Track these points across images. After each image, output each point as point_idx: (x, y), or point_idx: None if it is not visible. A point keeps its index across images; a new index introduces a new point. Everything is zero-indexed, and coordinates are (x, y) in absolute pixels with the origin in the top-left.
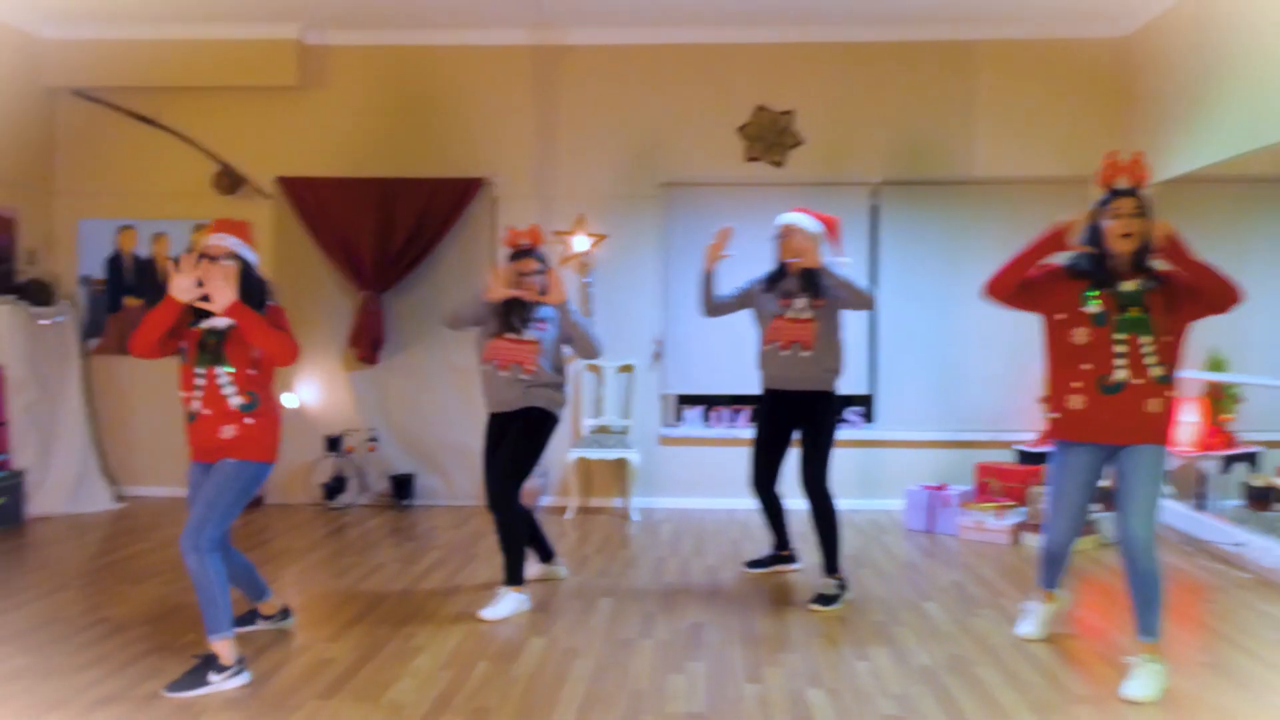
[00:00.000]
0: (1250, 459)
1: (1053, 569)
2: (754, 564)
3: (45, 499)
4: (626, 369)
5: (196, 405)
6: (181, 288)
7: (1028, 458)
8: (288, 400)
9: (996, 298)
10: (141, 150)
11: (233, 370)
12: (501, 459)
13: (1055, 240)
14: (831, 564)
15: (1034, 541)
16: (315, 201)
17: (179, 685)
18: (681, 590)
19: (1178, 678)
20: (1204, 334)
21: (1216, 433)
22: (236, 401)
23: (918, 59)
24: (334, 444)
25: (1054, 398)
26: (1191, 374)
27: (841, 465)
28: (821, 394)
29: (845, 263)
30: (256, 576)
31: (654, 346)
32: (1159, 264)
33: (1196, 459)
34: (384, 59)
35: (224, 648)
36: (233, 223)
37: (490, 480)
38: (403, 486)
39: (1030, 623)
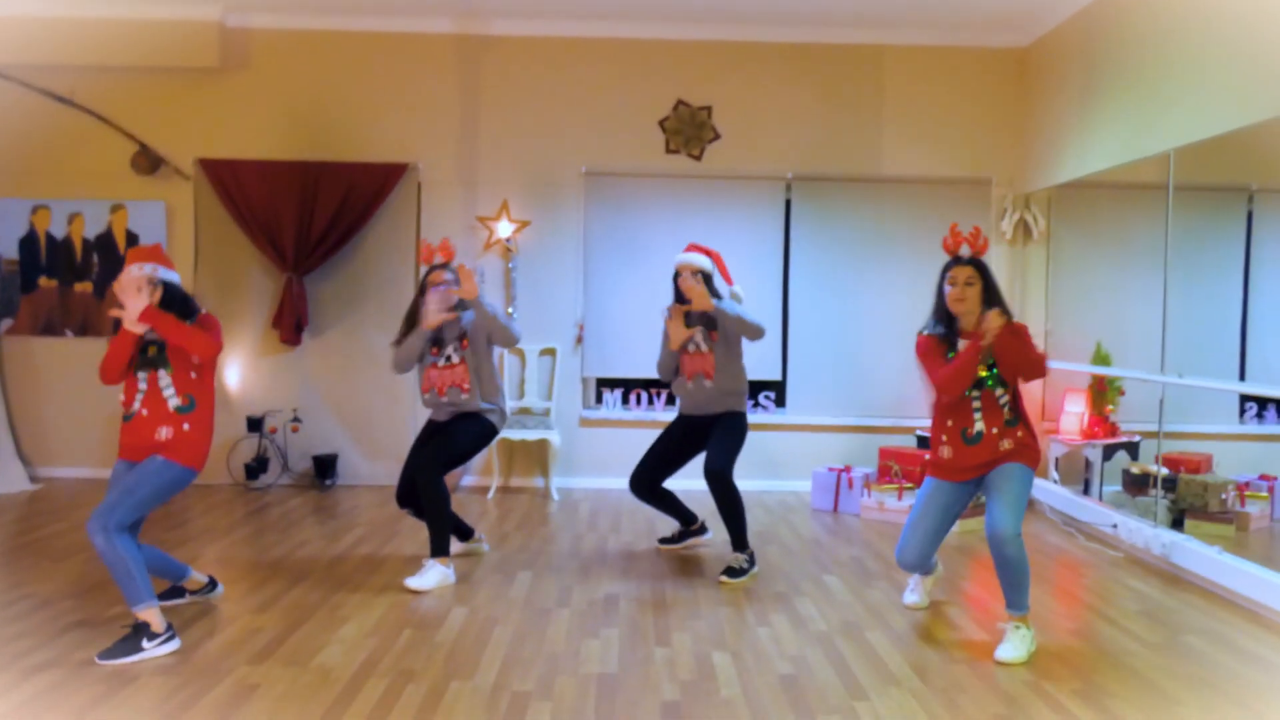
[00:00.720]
0: (1131, 448)
1: (910, 575)
2: (666, 540)
3: None
4: (548, 352)
5: (137, 407)
6: (134, 318)
7: (926, 442)
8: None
9: (952, 395)
10: (57, 130)
11: (173, 370)
12: (432, 446)
13: (982, 351)
14: (739, 541)
15: None
16: (236, 184)
17: (111, 653)
18: (598, 564)
19: (1045, 642)
20: (1089, 329)
21: (1100, 423)
22: (175, 403)
23: (830, 60)
24: (256, 424)
25: (931, 445)
26: (1077, 367)
27: (753, 449)
28: (727, 414)
29: (737, 292)
30: (170, 560)
31: (575, 330)
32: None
33: (1081, 447)
34: (307, 43)
35: (151, 615)
36: (145, 250)
37: (413, 461)
38: (325, 467)
39: (915, 593)
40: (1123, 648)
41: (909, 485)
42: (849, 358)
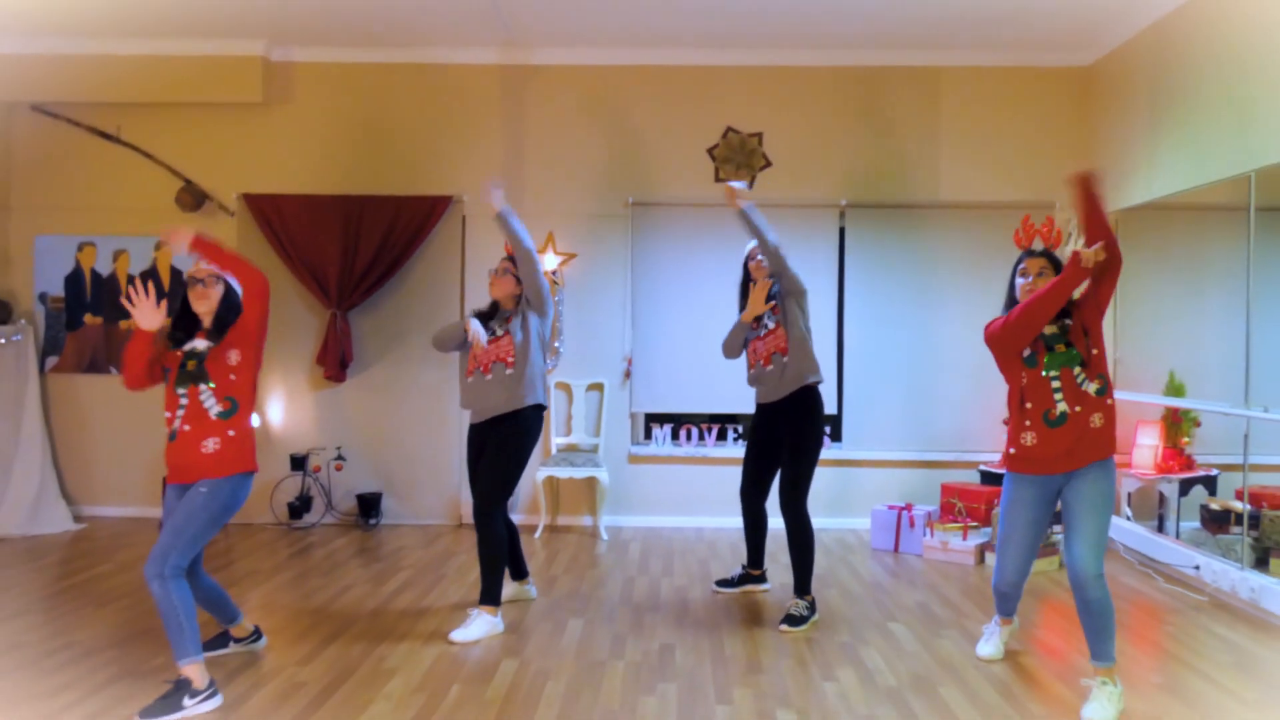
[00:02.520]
0: (1208, 482)
1: (1008, 601)
2: (723, 583)
3: (4, 520)
4: (596, 387)
5: (178, 424)
6: (146, 317)
7: (991, 478)
8: (253, 420)
9: (1010, 340)
10: (102, 166)
11: (214, 385)
12: (483, 478)
13: (1081, 274)
14: (803, 585)
15: (993, 561)
16: (280, 219)
17: (152, 711)
18: (651, 610)
19: (1133, 698)
20: (1161, 359)
21: (1175, 456)
22: (217, 410)
23: (884, 83)
24: (299, 463)
25: (1011, 437)
26: (1150, 399)
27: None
28: (801, 394)
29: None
30: (227, 600)
31: (623, 365)
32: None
33: (1155, 481)
34: (350, 76)
35: (195, 671)
36: (208, 244)
37: (474, 493)
38: (369, 506)
39: (990, 644)
40: (1217, 704)
41: (974, 524)
42: (908, 389)
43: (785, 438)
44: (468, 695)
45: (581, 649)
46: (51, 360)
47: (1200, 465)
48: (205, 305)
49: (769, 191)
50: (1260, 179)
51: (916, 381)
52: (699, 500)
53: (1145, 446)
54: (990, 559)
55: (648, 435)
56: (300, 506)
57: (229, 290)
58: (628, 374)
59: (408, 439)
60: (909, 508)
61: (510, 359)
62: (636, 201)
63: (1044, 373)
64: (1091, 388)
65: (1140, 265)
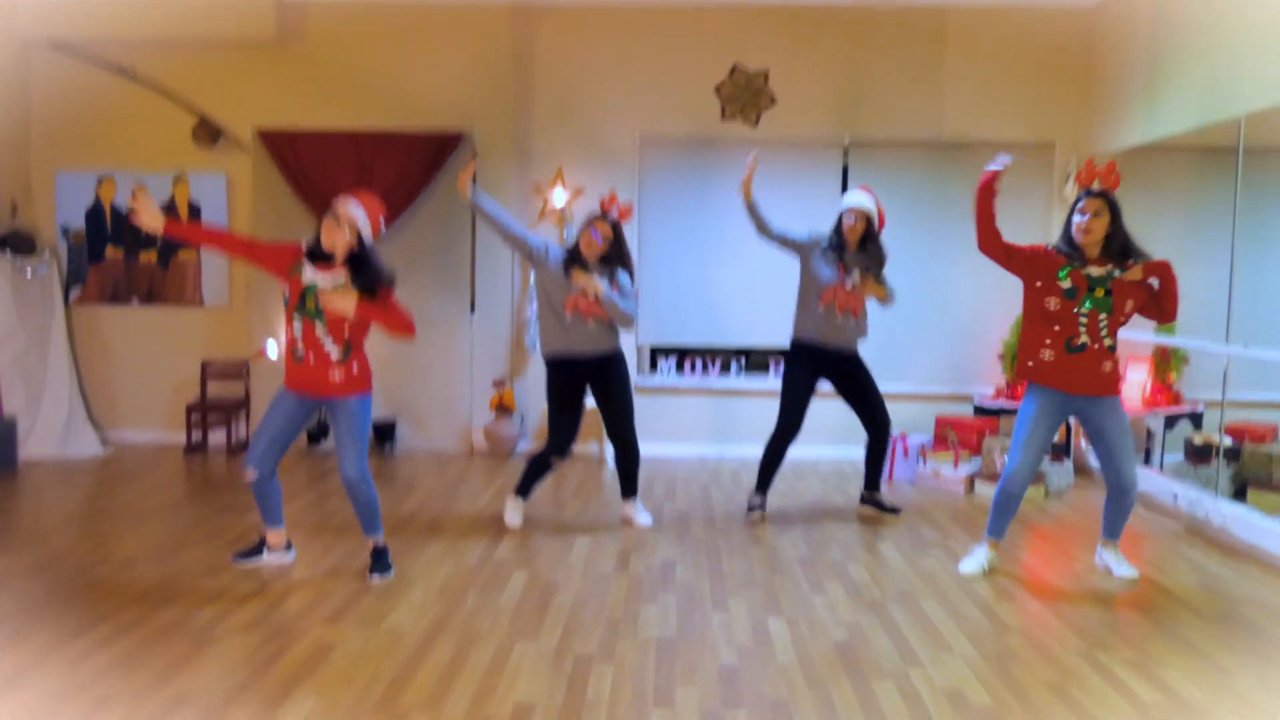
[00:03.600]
0: (1194, 418)
1: (1004, 515)
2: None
3: (36, 444)
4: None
5: (301, 350)
6: (147, 218)
7: (984, 412)
8: (270, 349)
9: (985, 253)
10: (119, 103)
11: (328, 326)
12: (617, 410)
13: (988, 192)
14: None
15: (988, 490)
16: (294, 154)
17: (378, 569)
18: (654, 532)
19: (1099, 611)
20: None
21: (1163, 391)
22: (336, 354)
23: (889, 22)
24: None
25: (1028, 351)
26: (1138, 335)
27: (811, 415)
28: (856, 355)
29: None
30: (280, 506)
31: None
32: (1133, 262)
33: (1142, 416)
34: (362, 14)
35: (380, 541)
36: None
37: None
38: (384, 433)
39: (974, 561)
40: (1178, 619)
41: (965, 453)
42: (906, 324)
43: (841, 376)
44: (483, 603)
45: (589, 563)
46: (75, 292)
47: (1188, 401)
48: (334, 241)
49: (774, 130)
50: (1250, 123)
51: (916, 317)
52: (702, 430)
53: (1134, 382)
54: (980, 488)
55: (654, 367)
56: (318, 433)
57: (361, 243)
58: None
59: (421, 370)
60: (903, 437)
61: (605, 318)
62: (645, 137)
63: (1077, 308)
64: (1108, 342)
65: (1136, 206)
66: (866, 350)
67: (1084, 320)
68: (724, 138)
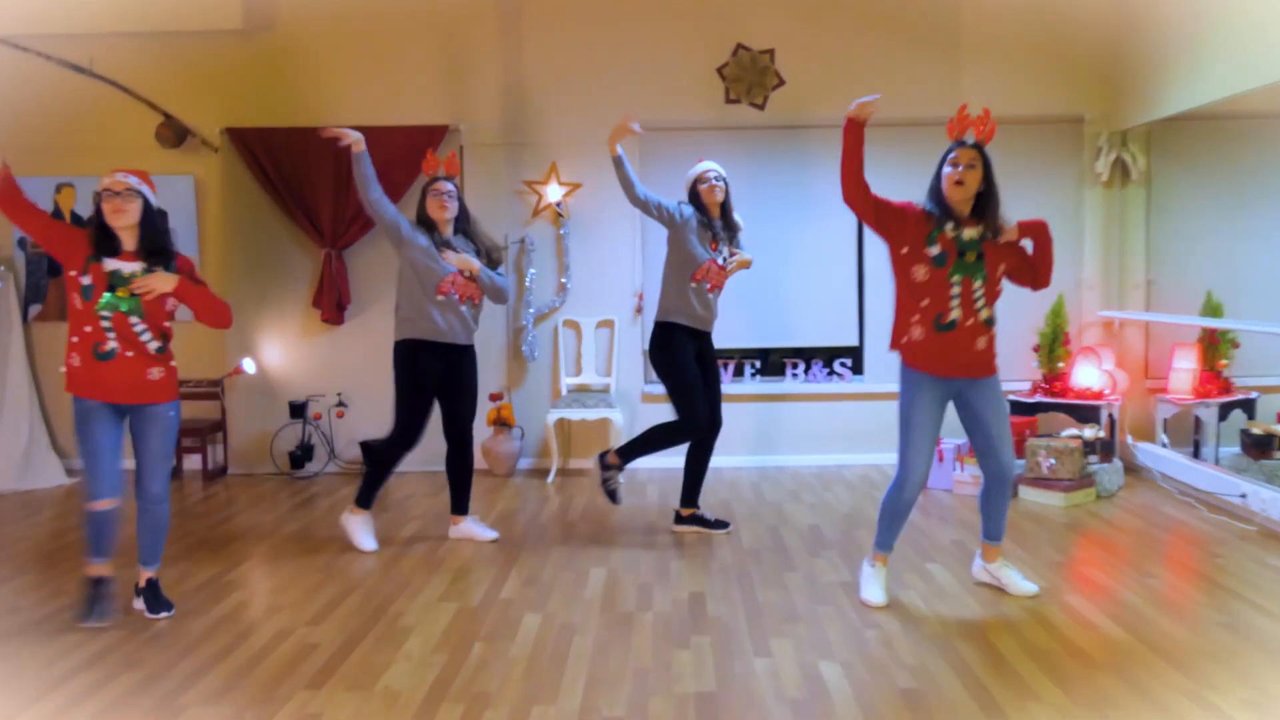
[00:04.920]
0: (1247, 405)
1: (897, 524)
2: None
3: None
4: (606, 324)
5: (112, 345)
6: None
7: (1021, 408)
8: (247, 366)
9: (849, 204)
10: (77, 103)
11: (146, 323)
12: (463, 410)
13: (855, 129)
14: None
15: (1034, 496)
16: (267, 154)
17: (155, 607)
18: (675, 556)
19: (1195, 639)
20: (1197, 278)
21: (1212, 379)
22: (155, 346)
23: None
24: (299, 410)
25: (898, 329)
26: (1187, 320)
27: (829, 420)
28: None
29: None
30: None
31: (634, 300)
32: (998, 224)
33: (1192, 406)
34: (334, 0)
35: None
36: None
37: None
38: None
39: (875, 589)
40: None
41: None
42: None
43: (709, 362)
44: (491, 654)
45: (607, 600)
46: (35, 309)
47: (1238, 388)
48: (124, 220)
49: (782, 112)
50: None
51: None
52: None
53: (1182, 370)
54: (1025, 492)
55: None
56: (302, 456)
57: (148, 206)
58: (639, 309)
59: None
60: (938, 441)
61: (478, 299)
62: (644, 126)
63: (949, 276)
64: (984, 315)
65: (1173, 180)
66: (886, 345)
67: (956, 290)
68: (729, 122)
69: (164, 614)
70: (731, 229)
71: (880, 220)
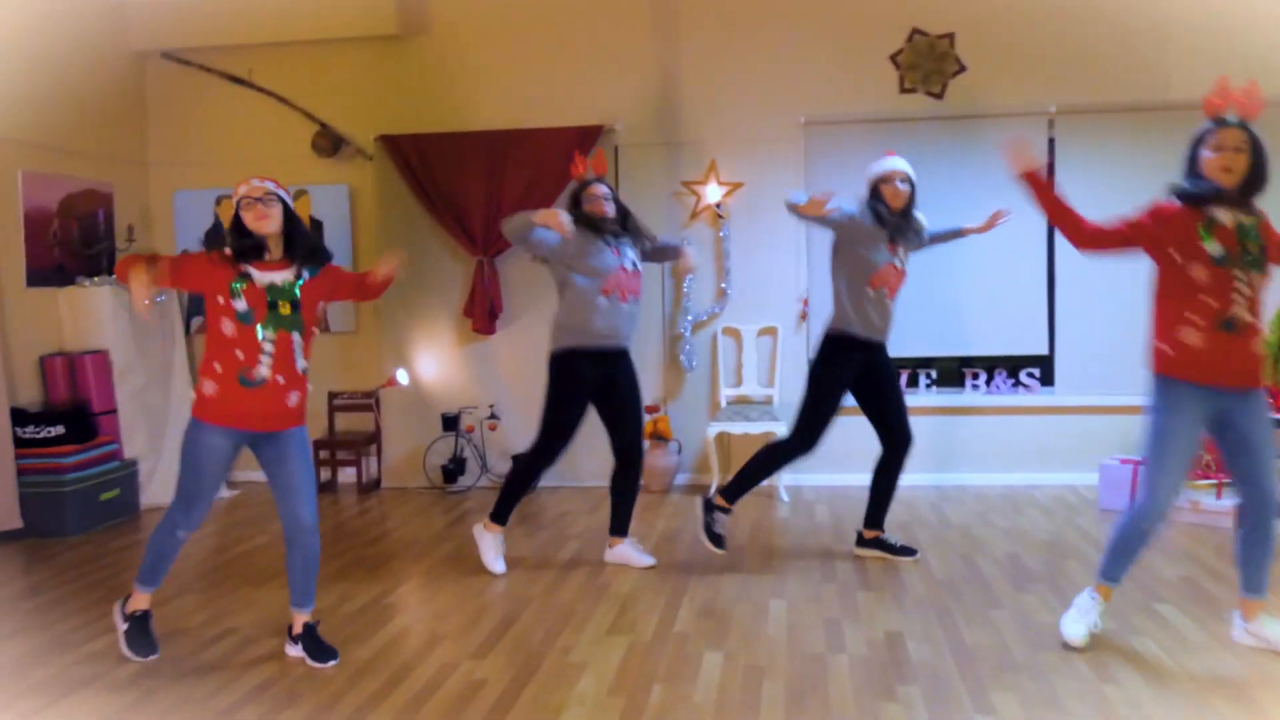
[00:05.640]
0: None
1: (1129, 556)
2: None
3: (159, 489)
4: (768, 332)
5: (264, 371)
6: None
7: None
8: (401, 377)
9: (1090, 254)
10: (235, 114)
11: (302, 336)
12: (635, 413)
13: (1034, 183)
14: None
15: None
16: (420, 160)
17: (323, 655)
18: (860, 586)
19: None
20: None
21: None
22: (302, 365)
23: None
24: (451, 423)
25: (1162, 333)
26: None
27: (1018, 436)
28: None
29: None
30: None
31: (799, 306)
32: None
33: None
34: (488, 3)
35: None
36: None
37: (628, 434)
38: None
39: (1079, 625)
40: None
41: (1228, 481)
42: (1132, 324)
43: (886, 373)
44: (674, 698)
45: (793, 638)
46: (197, 321)
47: None
48: (270, 226)
49: (963, 101)
50: None
51: (1140, 313)
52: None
53: None
54: None
55: None
56: (454, 469)
57: (288, 210)
58: (804, 316)
59: None
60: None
61: (639, 293)
62: (810, 120)
63: (1233, 271)
64: (1260, 310)
65: None
66: (1081, 353)
67: (1243, 286)
68: (903, 113)
69: (331, 662)
70: (914, 229)
71: (1133, 244)
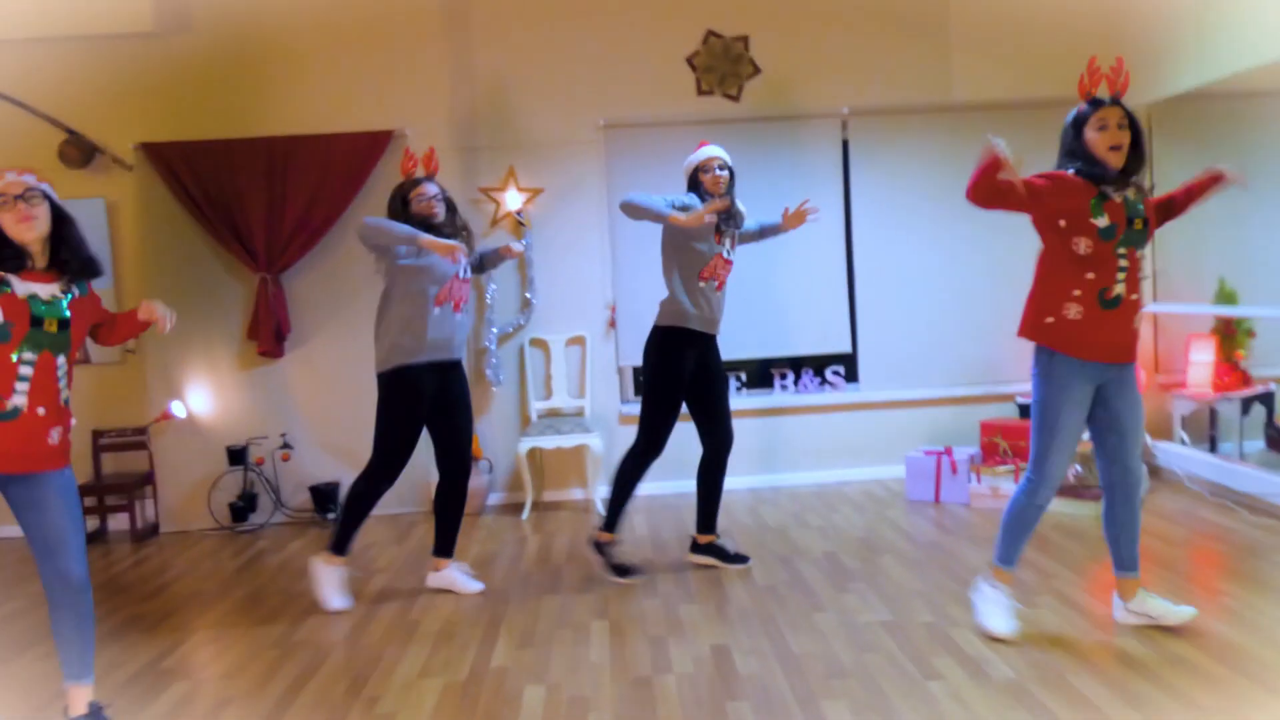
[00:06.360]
0: (1266, 399)
1: (1023, 536)
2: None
3: None
4: (576, 341)
5: (20, 401)
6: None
7: (1029, 411)
8: (176, 409)
9: (989, 208)
10: None
11: (67, 361)
12: (464, 428)
13: (993, 169)
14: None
15: (1061, 507)
16: (189, 170)
17: None
18: (684, 599)
19: None
20: (1208, 265)
21: (1230, 372)
22: (66, 395)
23: None
24: (238, 456)
25: (1042, 309)
26: (1200, 309)
27: (825, 433)
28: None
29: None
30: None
31: (607, 313)
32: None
33: (1212, 401)
34: None
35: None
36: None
37: (451, 450)
38: (325, 498)
39: (1001, 617)
40: None
41: (1023, 465)
42: (930, 318)
43: (716, 369)
44: None
45: (617, 662)
46: None
47: (1257, 380)
48: (34, 230)
49: (759, 103)
50: None
51: (940, 308)
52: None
53: (1200, 363)
54: (1057, 506)
55: (638, 391)
56: (244, 506)
57: (56, 210)
58: (612, 323)
59: (362, 418)
60: (949, 451)
61: (469, 301)
62: (609, 123)
63: (1116, 248)
64: (1140, 286)
65: (1181, 162)
66: (881, 349)
67: (1124, 263)
68: (701, 116)
69: None
70: (735, 219)
71: (1036, 203)
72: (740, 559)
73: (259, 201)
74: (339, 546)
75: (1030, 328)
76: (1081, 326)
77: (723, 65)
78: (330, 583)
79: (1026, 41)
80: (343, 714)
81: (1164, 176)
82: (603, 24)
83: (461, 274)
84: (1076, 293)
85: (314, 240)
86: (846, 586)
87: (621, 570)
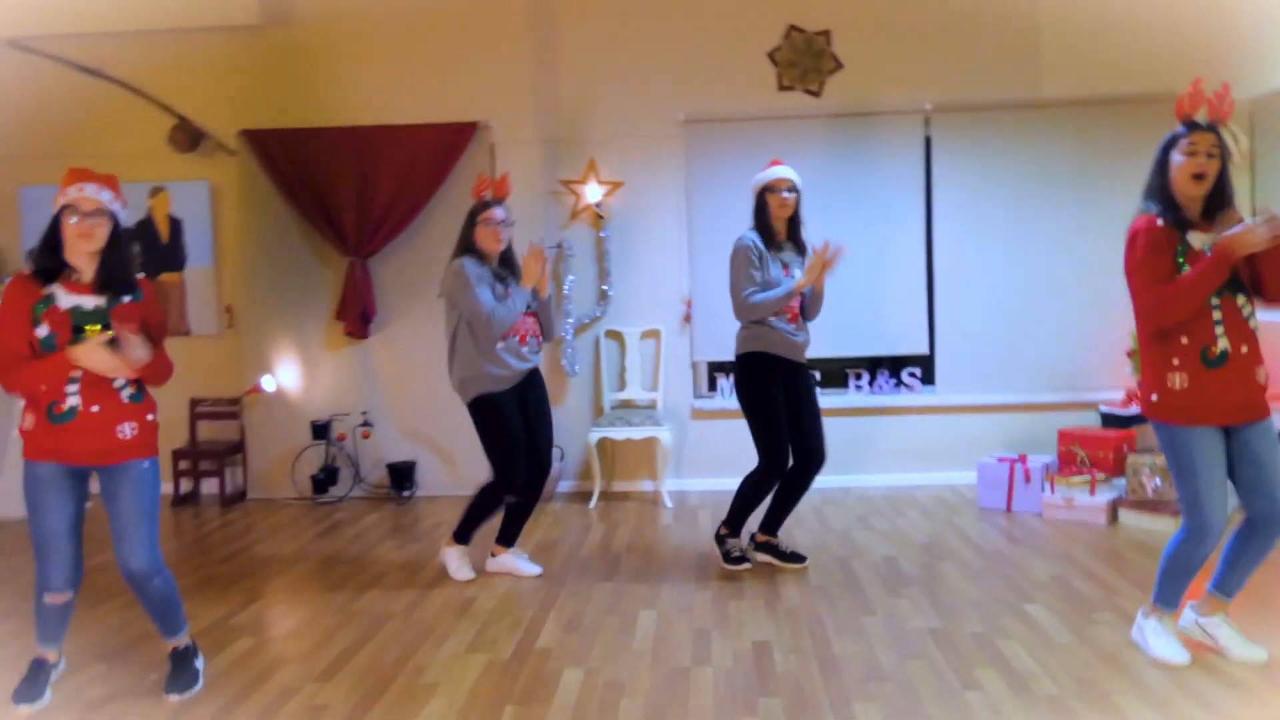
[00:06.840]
0: None
1: (1186, 579)
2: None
3: (2, 502)
4: (651, 334)
5: (74, 402)
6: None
7: (1114, 421)
8: (267, 383)
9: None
10: (87, 106)
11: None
12: (547, 426)
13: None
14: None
15: (1137, 521)
16: (286, 157)
17: (178, 685)
18: (734, 595)
19: None
20: None
21: None
22: (129, 394)
23: None
24: (322, 431)
25: (1150, 381)
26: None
27: (898, 436)
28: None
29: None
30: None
31: (682, 308)
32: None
33: None
34: None
35: (184, 642)
36: (95, 174)
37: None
38: (402, 476)
39: (1171, 645)
40: None
41: (1102, 476)
42: (1011, 321)
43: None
44: (525, 719)
45: (658, 651)
46: None
47: None
48: (91, 245)
49: (840, 99)
50: None
51: (1021, 312)
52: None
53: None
54: (1127, 516)
55: (712, 387)
56: (325, 479)
57: (116, 228)
58: (687, 318)
59: (442, 401)
60: (1022, 459)
61: (539, 337)
62: (690, 118)
63: (1208, 300)
64: (1253, 322)
65: None
66: (959, 352)
67: (1218, 315)
68: (782, 111)
69: (175, 695)
70: (798, 248)
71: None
72: (797, 558)
73: (349, 188)
74: (461, 536)
75: (1146, 407)
76: (1190, 395)
77: (804, 60)
78: (453, 560)
79: (1120, 35)
80: (388, 681)
81: (1267, 177)
82: (685, 19)
83: (526, 309)
84: (1176, 360)
85: (400, 227)
86: (900, 591)
87: (737, 560)
